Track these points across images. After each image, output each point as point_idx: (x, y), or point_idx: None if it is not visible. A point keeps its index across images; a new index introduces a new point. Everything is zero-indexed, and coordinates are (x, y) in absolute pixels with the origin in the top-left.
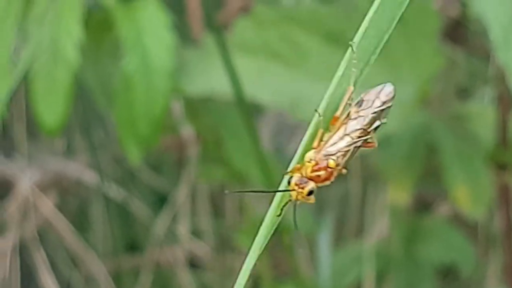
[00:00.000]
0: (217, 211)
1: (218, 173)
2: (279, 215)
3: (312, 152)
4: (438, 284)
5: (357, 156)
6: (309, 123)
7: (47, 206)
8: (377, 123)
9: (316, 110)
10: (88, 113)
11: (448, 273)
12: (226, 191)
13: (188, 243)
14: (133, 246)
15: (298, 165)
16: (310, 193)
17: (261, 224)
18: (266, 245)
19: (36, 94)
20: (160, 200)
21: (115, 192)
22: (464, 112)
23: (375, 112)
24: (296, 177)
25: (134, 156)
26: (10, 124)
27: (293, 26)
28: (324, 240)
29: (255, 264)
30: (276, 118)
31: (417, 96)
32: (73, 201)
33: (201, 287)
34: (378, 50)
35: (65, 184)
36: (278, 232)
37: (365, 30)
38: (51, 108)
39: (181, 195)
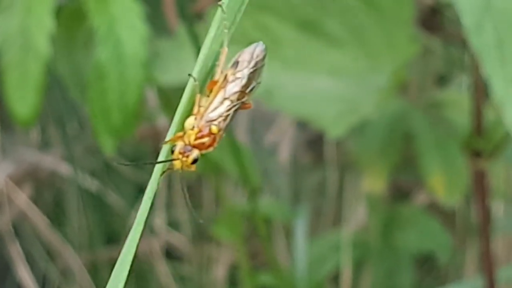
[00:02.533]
0: (193, 202)
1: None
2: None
3: (192, 118)
4: (416, 272)
5: (334, 144)
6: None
7: (22, 198)
8: (253, 83)
9: (190, 75)
10: (62, 104)
11: (425, 261)
12: (116, 163)
13: (165, 234)
14: (109, 238)
15: (180, 133)
16: (195, 161)
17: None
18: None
19: (8, 85)
20: (136, 191)
21: (91, 183)
22: (440, 99)
23: (251, 73)
24: (180, 146)
25: (108, 147)
26: None
27: (267, 15)
28: (301, 229)
29: (140, 238)
30: (252, 108)
31: (392, 83)
32: (48, 194)
33: (179, 278)
34: (243, 8)
35: (40, 176)
36: (254, 222)
37: None
38: (24, 99)
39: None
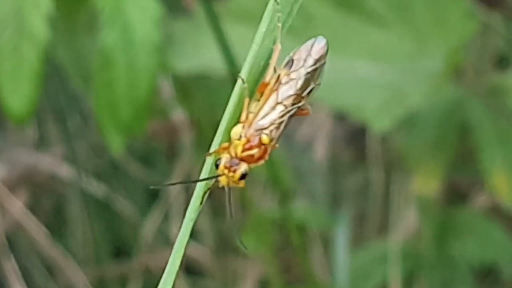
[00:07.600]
0: (216, 208)
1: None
2: (200, 204)
3: (240, 127)
4: (477, 287)
5: (378, 139)
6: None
7: (17, 206)
8: (311, 85)
9: (238, 76)
10: (62, 97)
11: (487, 273)
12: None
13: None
14: (118, 251)
15: (225, 144)
16: (243, 176)
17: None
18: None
19: (0, 76)
20: (150, 197)
21: (96, 188)
22: (502, 85)
23: (308, 73)
24: (225, 159)
25: (117, 145)
26: None
27: None
28: (341, 237)
29: (179, 268)
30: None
31: (446, 68)
32: (47, 200)
33: None
34: None
35: (38, 180)
36: (286, 230)
37: None
38: (19, 91)
39: (174, 190)
